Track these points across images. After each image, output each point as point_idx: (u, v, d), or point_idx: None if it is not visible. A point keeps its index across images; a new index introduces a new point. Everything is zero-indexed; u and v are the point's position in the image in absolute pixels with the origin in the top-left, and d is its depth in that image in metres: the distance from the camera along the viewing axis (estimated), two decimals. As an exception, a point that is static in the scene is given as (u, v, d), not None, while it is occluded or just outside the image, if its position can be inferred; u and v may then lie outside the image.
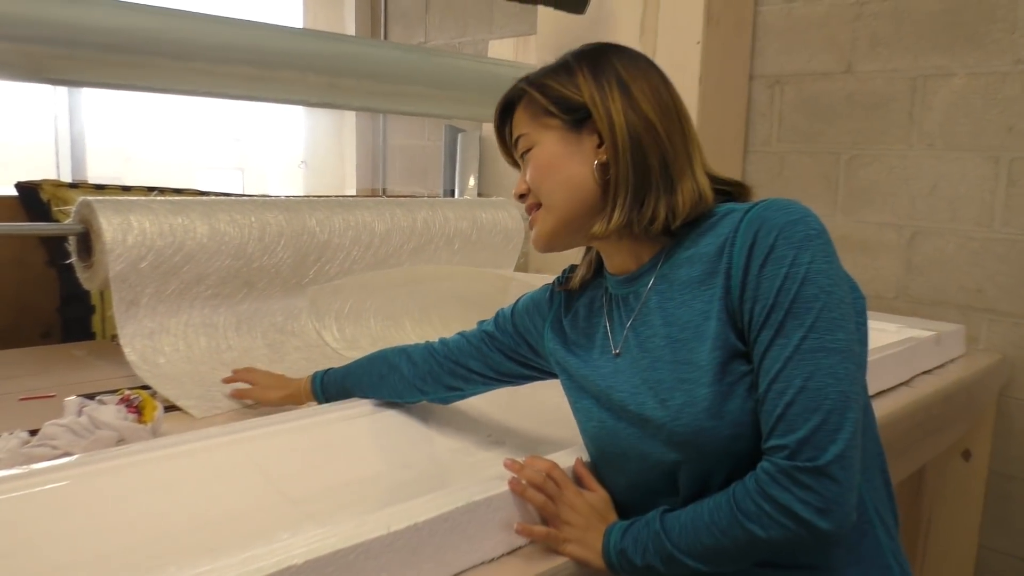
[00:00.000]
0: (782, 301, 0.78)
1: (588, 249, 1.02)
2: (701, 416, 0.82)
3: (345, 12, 3.46)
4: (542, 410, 1.30)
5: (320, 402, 1.27)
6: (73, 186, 1.97)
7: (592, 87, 0.89)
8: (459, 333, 1.19)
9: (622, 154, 0.87)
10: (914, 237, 2.14)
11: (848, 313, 0.79)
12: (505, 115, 0.99)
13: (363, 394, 1.24)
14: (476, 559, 0.85)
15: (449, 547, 0.82)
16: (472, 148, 2.90)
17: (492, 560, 0.86)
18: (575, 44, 0.94)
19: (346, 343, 1.71)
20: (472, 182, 2.92)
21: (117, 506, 0.90)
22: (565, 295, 1.05)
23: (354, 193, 3.49)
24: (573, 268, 1.06)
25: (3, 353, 1.68)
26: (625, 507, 0.94)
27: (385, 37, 3.45)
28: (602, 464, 0.96)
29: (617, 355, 0.93)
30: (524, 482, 0.90)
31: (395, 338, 1.78)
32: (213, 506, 0.94)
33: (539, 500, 0.90)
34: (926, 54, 2.08)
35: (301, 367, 1.56)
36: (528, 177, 0.94)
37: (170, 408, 1.29)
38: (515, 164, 1.00)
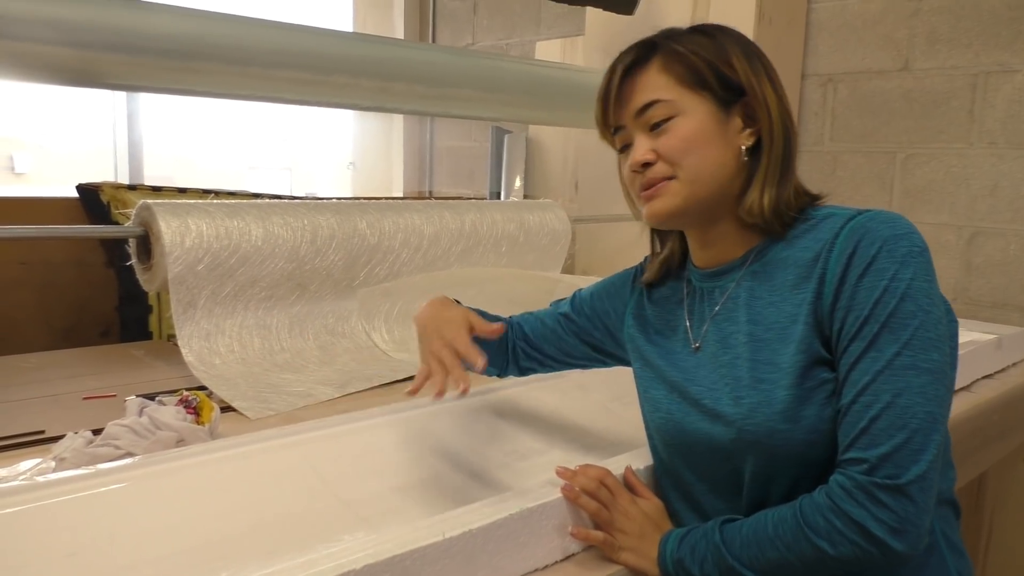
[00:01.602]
0: (878, 314, 0.77)
1: (666, 239, 1.00)
2: (776, 418, 0.81)
3: (394, 14, 3.48)
4: (592, 415, 1.30)
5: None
6: (131, 188, 2.02)
7: (747, 69, 0.87)
8: (532, 314, 1.16)
9: (776, 140, 0.87)
10: (974, 238, 2.08)
11: (944, 335, 0.77)
12: (629, 73, 0.89)
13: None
14: (530, 566, 0.85)
15: (503, 554, 0.82)
16: (519, 149, 2.90)
17: (546, 567, 0.86)
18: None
19: (395, 345, 1.72)
20: (518, 183, 2.93)
21: (177, 507, 0.92)
22: (647, 282, 1.03)
23: (401, 194, 3.51)
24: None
25: (65, 353, 1.73)
26: (681, 508, 0.93)
27: (433, 38, 3.47)
28: (666, 457, 0.95)
29: (697, 348, 0.92)
30: (577, 489, 0.90)
31: (444, 340, 1.79)
32: (270, 508, 0.95)
33: (592, 507, 0.89)
34: (987, 51, 2.02)
35: (351, 369, 1.57)
36: (664, 146, 0.87)
37: (226, 409, 1.31)
38: (604, 127, 0.93)
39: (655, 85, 0.87)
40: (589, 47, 2.55)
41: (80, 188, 1.96)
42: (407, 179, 3.53)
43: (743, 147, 0.87)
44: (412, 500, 1.02)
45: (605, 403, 1.35)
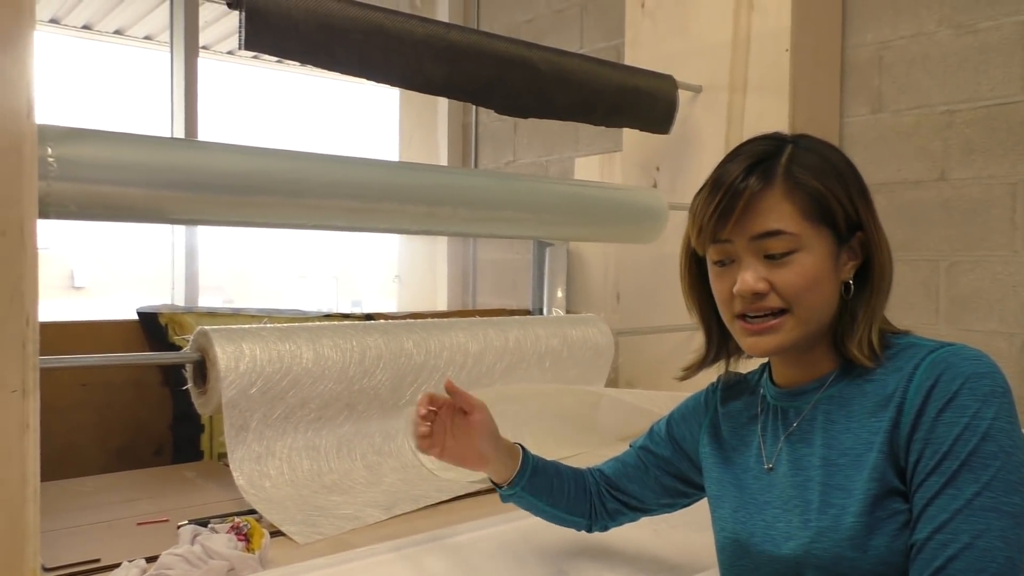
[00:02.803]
0: (958, 451, 0.76)
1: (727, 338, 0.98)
2: (843, 544, 0.80)
3: (439, 133, 3.64)
4: (641, 538, 1.28)
5: (521, 478, 1.10)
6: (188, 311, 2.10)
7: (864, 208, 0.88)
8: (611, 459, 1.15)
9: (886, 277, 0.88)
10: (1026, 346, 2.05)
11: None
12: (757, 195, 0.85)
13: (547, 490, 1.10)
14: None
15: None
16: (560, 261, 2.96)
17: None
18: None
19: (440, 464, 1.73)
20: (560, 294, 2.97)
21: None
22: (722, 396, 1.03)
23: (446, 306, 3.58)
24: (730, 375, 1.04)
25: (120, 476, 1.76)
26: None
27: (476, 157, 3.60)
28: None
29: (770, 469, 0.91)
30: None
31: (489, 458, 1.79)
32: (319, 643, 0.95)
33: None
34: (1024, 160, 2.04)
35: (398, 489, 1.58)
36: (782, 281, 0.85)
37: (275, 533, 1.33)
38: (708, 238, 0.88)
39: (780, 213, 0.84)
40: (627, 163, 2.63)
41: (140, 313, 2.04)
42: (451, 291, 3.60)
43: (844, 280, 0.88)
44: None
45: (653, 525, 1.33)
